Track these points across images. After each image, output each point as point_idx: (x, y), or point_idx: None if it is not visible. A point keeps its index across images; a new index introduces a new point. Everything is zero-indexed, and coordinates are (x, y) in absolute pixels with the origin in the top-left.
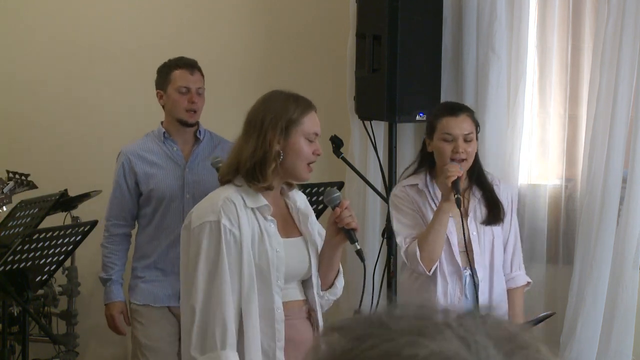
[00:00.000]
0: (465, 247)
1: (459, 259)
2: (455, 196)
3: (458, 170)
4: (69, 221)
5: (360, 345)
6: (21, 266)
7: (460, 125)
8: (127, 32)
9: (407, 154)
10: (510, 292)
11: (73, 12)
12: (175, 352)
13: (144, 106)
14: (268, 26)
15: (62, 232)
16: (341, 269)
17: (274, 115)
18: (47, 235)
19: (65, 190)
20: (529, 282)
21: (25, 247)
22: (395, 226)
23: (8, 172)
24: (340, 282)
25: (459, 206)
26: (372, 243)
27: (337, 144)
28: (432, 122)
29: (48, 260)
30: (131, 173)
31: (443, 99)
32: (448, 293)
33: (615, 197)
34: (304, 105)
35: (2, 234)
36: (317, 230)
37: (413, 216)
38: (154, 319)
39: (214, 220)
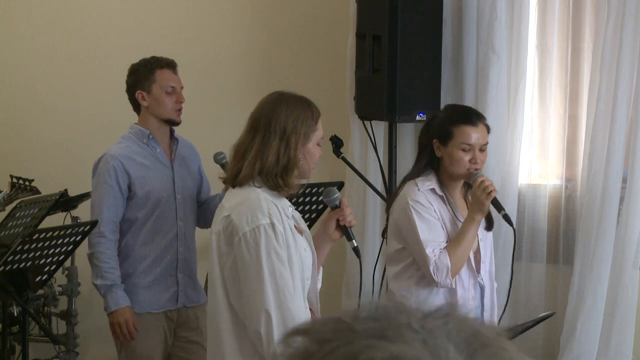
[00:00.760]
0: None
1: (474, 266)
2: (502, 213)
3: (492, 183)
4: (69, 221)
5: (321, 348)
6: (21, 266)
7: (478, 136)
8: (125, 33)
9: (407, 154)
10: None
11: (72, 15)
12: (164, 357)
13: None
14: (268, 26)
15: (62, 232)
16: (322, 266)
17: (297, 121)
18: (47, 235)
19: (65, 190)
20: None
21: (25, 247)
22: (422, 236)
23: (12, 177)
24: (320, 276)
25: (510, 224)
26: (372, 243)
27: (337, 144)
28: (448, 128)
29: (48, 260)
30: (124, 175)
31: (443, 99)
32: (467, 304)
33: (615, 197)
34: (317, 111)
35: (2, 234)
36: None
37: (438, 225)
38: (152, 327)
39: (267, 223)
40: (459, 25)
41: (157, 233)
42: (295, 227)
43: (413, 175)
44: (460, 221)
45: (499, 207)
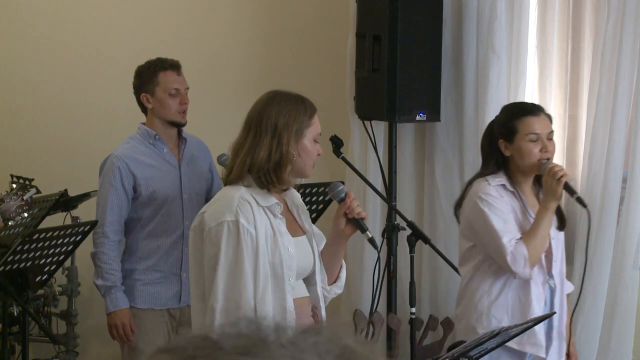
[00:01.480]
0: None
1: (544, 265)
2: (575, 195)
3: (564, 169)
4: (69, 221)
5: None
6: (21, 266)
7: (542, 125)
8: (126, 33)
9: (407, 154)
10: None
11: (72, 14)
12: None
13: None
14: (268, 26)
15: (62, 232)
16: (344, 262)
17: (288, 117)
18: (47, 235)
19: (65, 190)
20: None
21: (25, 247)
22: (497, 226)
23: (12, 176)
24: (343, 275)
25: (584, 205)
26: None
27: (337, 144)
28: (511, 124)
29: (48, 260)
30: (129, 176)
31: (443, 99)
32: (540, 300)
33: (615, 197)
34: (312, 107)
35: (2, 234)
36: (313, 227)
37: (511, 216)
38: (154, 323)
39: (232, 220)
40: (459, 25)
41: (162, 232)
42: (297, 225)
43: (481, 175)
44: (532, 217)
45: (571, 191)
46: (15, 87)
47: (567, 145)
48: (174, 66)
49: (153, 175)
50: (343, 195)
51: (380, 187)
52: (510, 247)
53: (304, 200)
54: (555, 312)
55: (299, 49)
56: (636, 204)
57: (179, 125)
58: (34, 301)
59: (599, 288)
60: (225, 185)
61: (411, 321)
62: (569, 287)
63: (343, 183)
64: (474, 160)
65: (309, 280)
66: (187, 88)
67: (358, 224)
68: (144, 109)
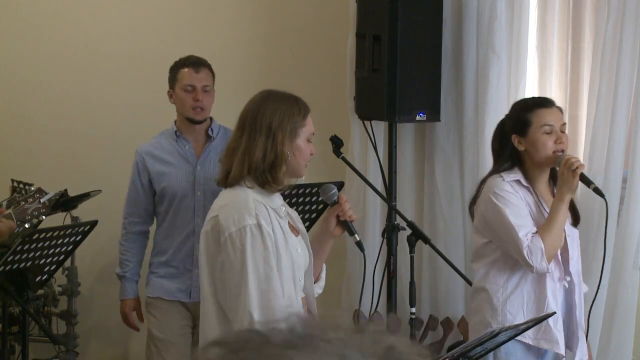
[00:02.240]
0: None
1: (561, 261)
2: (592, 186)
3: (580, 160)
4: (69, 221)
5: (233, 357)
6: (21, 266)
7: (555, 116)
8: (126, 32)
9: (407, 154)
10: None
11: (72, 14)
12: (188, 345)
13: (144, 106)
14: (268, 26)
15: (62, 232)
16: (325, 264)
17: (282, 117)
18: (47, 235)
19: (65, 190)
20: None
21: (25, 247)
22: (513, 221)
23: (13, 180)
24: (324, 275)
25: (602, 195)
26: (372, 243)
27: (337, 144)
28: (523, 117)
29: (48, 260)
30: (144, 171)
31: (443, 99)
32: (555, 296)
33: (615, 197)
34: (305, 106)
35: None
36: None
37: (526, 211)
38: (167, 312)
39: (254, 224)
40: (459, 25)
41: (175, 228)
42: (290, 226)
43: (495, 171)
44: (547, 212)
45: (587, 181)
46: (15, 87)
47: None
48: (194, 63)
49: (166, 171)
50: (336, 198)
51: (380, 187)
52: (526, 241)
53: (303, 200)
54: (555, 313)
55: (299, 49)
56: (636, 204)
57: (193, 122)
58: (34, 301)
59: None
60: (224, 187)
61: (411, 321)
62: (584, 287)
63: (343, 184)
64: (474, 160)
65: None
66: (208, 85)
67: (347, 227)
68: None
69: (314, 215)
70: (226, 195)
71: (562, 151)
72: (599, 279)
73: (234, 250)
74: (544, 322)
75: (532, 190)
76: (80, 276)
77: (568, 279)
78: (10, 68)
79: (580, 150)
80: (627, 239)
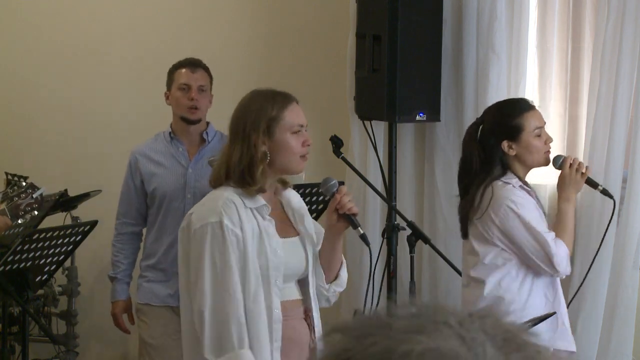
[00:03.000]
0: None
1: None
2: (601, 188)
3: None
4: (69, 221)
5: (360, 343)
6: (21, 266)
7: (540, 117)
8: (126, 32)
9: (407, 154)
10: None
11: (72, 13)
12: (180, 349)
13: (144, 106)
14: (268, 26)
15: (62, 232)
16: (344, 260)
17: (254, 118)
18: (47, 235)
19: (65, 190)
20: None
21: (25, 247)
22: (539, 227)
23: (7, 174)
24: (344, 273)
25: (610, 196)
26: (372, 243)
27: (337, 144)
28: (514, 122)
29: (48, 260)
30: (137, 172)
31: (443, 99)
32: (562, 296)
33: (615, 197)
34: (282, 100)
35: (2, 233)
36: (313, 228)
37: (541, 217)
38: (157, 318)
39: (216, 221)
40: (459, 25)
41: (163, 231)
42: (290, 225)
43: (493, 179)
44: (545, 213)
45: (594, 184)
46: (15, 87)
47: (567, 145)
48: (190, 63)
49: (157, 172)
50: (334, 190)
51: (380, 187)
52: (554, 248)
53: (304, 200)
54: (555, 313)
55: (299, 49)
56: (636, 204)
57: (188, 122)
58: (34, 301)
59: (599, 288)
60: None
61: None
62: None
63: (342, 184)
64: None
65: (302, 283)
66: (204, 85)
67: (349, 220)
68: None
69: (313, 216)
70: (207, 196)
71: (549, 151)
72: (585, 273)
73: (195, 246)
74: (559, 322)
75: (532, 193)
76: (80, 276)
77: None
78: (10, 68)
79: (580, 150)
80: (627, 239)
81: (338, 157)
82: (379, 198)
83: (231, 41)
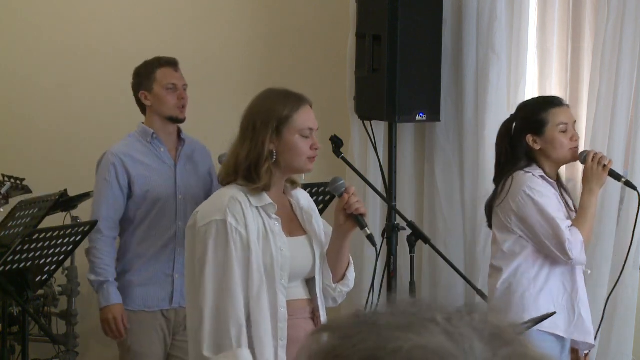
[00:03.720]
0: None
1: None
2: (623, 179)
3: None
4: (69, 221)
5: (349, 341)
6: (21, 266)
7: (569, 114)
8: (126, 32)
9: (407, 154)
10: None
11: (70, 13)
12: (164, 357)
13: None
14: (268, 26)
15: (62, 232)
16: (351, 260)
17: (265, 116)
18: (47, 235)
19: (65, 190)
20: None
21: (25, 247)
22: (553, 214)
23: (3, 175)
24: (351, 274)
25: (634, 188)
26: None
27: (337, 144)
28: (539, 117)
29: (48, 260)
30: (124, 174)
31: (443, 99)
32: (583, 287)
33: (615, 197)
34: (295, 101)
35: (2, 234)
36: (322, 228)
37: (560, 205)
38: (147, 326)
39: (220, 219)
40: (459, 25)
41: (155, 233)
42: (298, 224)
43: (516, 169)
44: (569, 206)
45: (618, 176)
46: (15, 87)
47: None
48: (170, 63)
49: (148, 174)
50: (342, 190)
51: (380, 187)
52: (567, 234)
53: None
54: (555, 313)
55: (299, 49)
56: (636, 204)
57: (177, 121)
58: (34, 301)
59: (599, 288)
60: (222, 187)
61: None
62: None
63: None
64: (474, 160)
65: (309, 283)
66: (185, 84)
67: (357, 220)
68: (143, 108)
69: None
70: (215, 193)
71: (576, 147)
72: (620, 271)
73: (199, 244)
74: (576, 314)
75: (555, 186)
76: (80, 276)
77: (589, 270)
78: (10, 68)
79: (580, 150)
80: (627, 239)
81: (338, 157)
82: (379, 198)
83: (231, 41)
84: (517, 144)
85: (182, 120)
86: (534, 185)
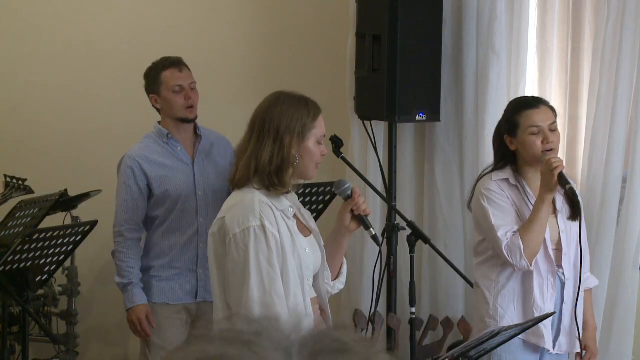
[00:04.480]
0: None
1: (552, 256)
2: (568, 186)
3: (561, 160)
4: (69, 221)
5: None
6: (21, 266)
7: (542, 117)
8: (125, 32)
9: (407, 154)
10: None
11: (71, 13)
12: None
13: (145, 106)
14: (268, 26)
15: (62, 232)
16: (344, 257)
17: (290, 120)
18: (47, 235)
19: (65, 190)
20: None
21: (25, 247)
22: (494, 220)
23: (6, 176)
24: (345, 270)
25: (575, 196)
26: (372, 243)
27: (337, 144)
28: (512, 118)
29: (48, 260)
30: (142, 176)
31: (443, 99)
32: (543, 291)
33: (615, 197)
34: (315, 108)
35: (2, 234)
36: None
37: (511, 211)
38: (169, 318)
39: (258, 225)
40: (459, 25)
41: (177, 230)
42: (303, 225)
43: (485, 172)
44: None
45: (565, 181)
46: (15, 87)
47: (567, 145)
48: (175, 63)
49: (165, 174)
50: (349, 192)
51: (380, 187)
52: (506, 240)
53: (305, 200)
54: (555, 312)
55: (299, 49)
56: (636, 204)
57: (187, 121)
58: (34, 301)
59: (599, 288)
60: (233, 188)
61: (411, 321)
62: (593, 282)
63: None
64: (474, 160)
65: (315, 279)
66: (193, 82)
67: (363, 221)
68: (158, 109)
69: (314, 215)
70: (234, 197)
71: (551, 150)
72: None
73: (237, 251)
74: (529, 317)
75: (520, 189)
76: (80, 276)
77: (561, 274)
78: (10, 68)
79: (580, 150)
80: (627, 239)
81: (338, 157)
82: (379, 198)
83: (231, 41)
84: (498, 144)
85: (192, 120)
86: (485, 190)
